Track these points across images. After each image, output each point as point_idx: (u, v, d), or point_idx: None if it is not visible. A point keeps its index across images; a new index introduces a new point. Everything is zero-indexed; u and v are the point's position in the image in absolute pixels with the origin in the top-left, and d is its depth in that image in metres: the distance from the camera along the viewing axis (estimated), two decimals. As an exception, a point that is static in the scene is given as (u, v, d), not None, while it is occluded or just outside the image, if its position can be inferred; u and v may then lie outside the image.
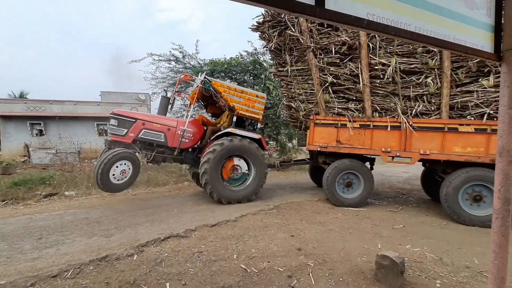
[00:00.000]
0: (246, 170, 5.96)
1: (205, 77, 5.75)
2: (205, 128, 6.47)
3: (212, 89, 5.73)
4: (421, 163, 6.34)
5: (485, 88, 4.98)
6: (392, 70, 5.38)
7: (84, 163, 10.61)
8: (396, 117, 5.54)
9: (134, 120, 5.47)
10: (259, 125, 6.50)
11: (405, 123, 5.40)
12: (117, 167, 4.89)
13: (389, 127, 5.57)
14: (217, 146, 5.53)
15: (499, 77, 4.90)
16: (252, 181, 5.95)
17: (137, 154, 5.42)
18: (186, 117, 6.27)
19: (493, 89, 4.94)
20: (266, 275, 2.85)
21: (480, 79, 5.05)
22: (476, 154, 5.06)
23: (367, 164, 6.36)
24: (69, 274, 2.79)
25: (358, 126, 5.87)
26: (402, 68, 5.38)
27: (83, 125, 16.82)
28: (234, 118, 6.06)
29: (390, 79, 5.51)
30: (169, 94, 6.58)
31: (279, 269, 2.98)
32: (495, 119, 4.98)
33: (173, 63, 12.50)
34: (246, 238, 3.87)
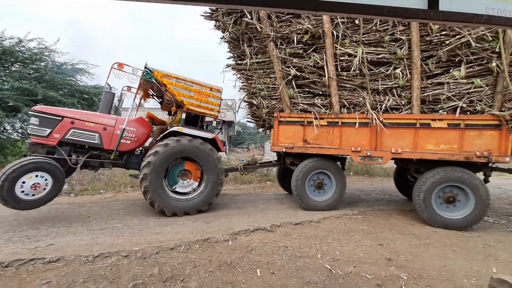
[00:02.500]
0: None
1: (145, 67, 4.87)
2: (154, 127, 5.64)
3: (154, 81, 4.86)
4: (393, 161, 5.91)
5: (457, 79, 4.59)
6: (359, 60, 4.85)
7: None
8: (365, 112, 5.03)
9: (60, 118, 4.65)
10: (214, 123, 5.70)
11: (375, 119, 4.89)
12: (28, 179, 4.06)
13: (357, 124, 5.04)
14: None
15: (470, 67, 4.53)
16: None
17: (65, 160, 4.61)
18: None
19: (465, 80, 4.55)
20: (353, 280, 2.84)
21: (451, 70, 4.66)
22: (449, 151, 4.65)
23: (338, 163, 5.82)
24: (181, 249, 3.38)
25: (326, 123, 5.29)
26: (369, 58, 4.88)
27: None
28: (183, 115, 5.15)
29: (358, 71, 4.99)
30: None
31: (367, 276, 2.92)
32: (468, 113, 4.60)
33: None
34: (330, 240, 3.87)
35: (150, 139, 5.63)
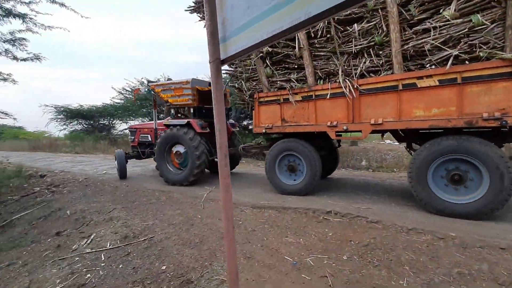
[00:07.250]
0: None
1: (147, 84, 6.50)
2: None
3: (154, 93, 6.40)
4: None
5: (448, 21, 3.50)
6: (325, 22, 4.29)
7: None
8: (339, 80, 4.39)
9: (135, 130, 7.42)
10: (191, 110, 6.43)
11: (348, 86, 4.22)
12: None
13: (328, 95, 4.45)
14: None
15: (465, 1, 3.42)
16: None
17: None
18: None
19: (460, 20, 3.43)
20: None
21: (441, 11, 3.59)
22: (445, 116, 3.60)
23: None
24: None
25: (301, 98, 4.88)
26: (336, 17, 4.24)
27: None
28: (172, 111, 6.73)
29: (328, 35, 4.41)
30: None
31: None
32: (466, 62, 3.46)
33: None
34: None
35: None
